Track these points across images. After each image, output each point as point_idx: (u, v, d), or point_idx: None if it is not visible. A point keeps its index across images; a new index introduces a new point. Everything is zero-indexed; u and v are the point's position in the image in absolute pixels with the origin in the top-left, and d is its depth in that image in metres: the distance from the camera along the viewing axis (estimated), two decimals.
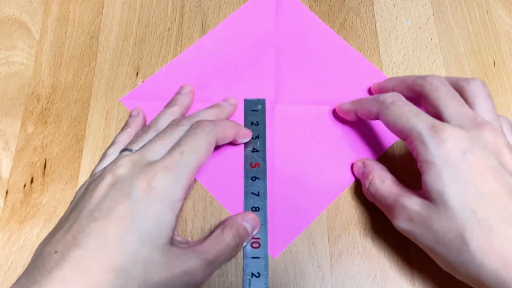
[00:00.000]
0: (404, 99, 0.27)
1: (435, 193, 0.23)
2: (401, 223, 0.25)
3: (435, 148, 0.24)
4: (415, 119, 0.25)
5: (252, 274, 0.28)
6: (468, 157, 0.23)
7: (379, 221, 0.30)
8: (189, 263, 0.24)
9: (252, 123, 0.33)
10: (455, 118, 0.25)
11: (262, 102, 0.34)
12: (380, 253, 0.30)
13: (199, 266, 0.24)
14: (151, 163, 0.25)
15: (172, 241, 0.24)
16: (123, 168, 0.25)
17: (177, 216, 0.25)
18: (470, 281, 0.24)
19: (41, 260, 0.23)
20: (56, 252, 0.22)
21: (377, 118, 0.28)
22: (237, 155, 0.32)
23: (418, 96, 0.29)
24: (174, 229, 0.25)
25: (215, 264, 0.26)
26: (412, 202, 0.25)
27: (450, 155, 0.23)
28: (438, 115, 0.26)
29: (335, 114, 0.33)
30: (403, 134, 0.26)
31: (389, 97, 0.27)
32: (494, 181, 0.23)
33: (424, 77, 0.28)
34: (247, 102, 0.34)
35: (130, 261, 0.22)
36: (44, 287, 0.21)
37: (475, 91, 0.27)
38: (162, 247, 0.23)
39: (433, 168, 0.23)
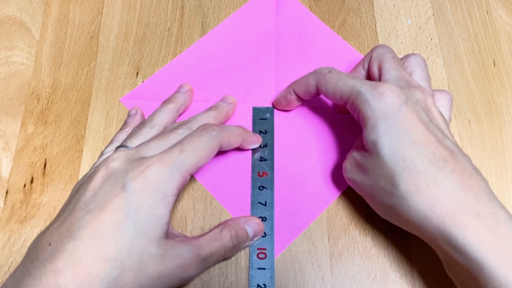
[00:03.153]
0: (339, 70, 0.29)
1: (370, 143, 0.25)
2: (346, 173, 0.28)
3: (374, 102, 0.25)
4: (353, 80, 0.27)
5: (258, 286, 0.28)
6: (403, 109, 0.25)
7: (379, 221, 0.30)
8: (183, 256, 0.24)
9: (260, 131, 0.33)
10: (393, 80, 0.27)
11: (270, 110, 0.34)
12: (380, 253, 0.30)
13: (192, 261, 0.25)
14: (147, 157, 0.25)
15: (167, 235, 0.25)
16: (117, 162, 0.25)
17: (170, 211, 0.25)
18: (403, 224, 0.26)
19: (35, 252, 0.23)
20: (50, 244, 0.22)
21: (316, 92, 0.29)
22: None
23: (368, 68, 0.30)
24: (169, 223, 0.25)
25: (208, 262, 0.26)
26: (355, 153, 0.27)
27: (387, 107, 0.25)
28: (377, 79, 0.28)
29: (335, 114, 0.33)
30: (343, 97, 0.27)
31: (326, 68, 0.29)
32: (425, 130, 0.24)
33: (371, 49, 0.30)
34: (256, 110, 0.34)
35: (125, 252, 0.22)
36: (37, 279, 0.21)
37: (413, 62, 0.29)
38: (157, 239, 0.24)
39: (370, 122, 0.25)
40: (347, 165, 0.28)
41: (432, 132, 0.24)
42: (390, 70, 0.27)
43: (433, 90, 0.28)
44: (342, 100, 0.27)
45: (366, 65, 0.30)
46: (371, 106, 0.25)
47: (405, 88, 0.26)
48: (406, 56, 0.29)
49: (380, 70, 0.28)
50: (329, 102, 0.34)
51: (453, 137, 0.26)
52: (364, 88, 0.26)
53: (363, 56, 0.36)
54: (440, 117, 0.26)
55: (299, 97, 0.31)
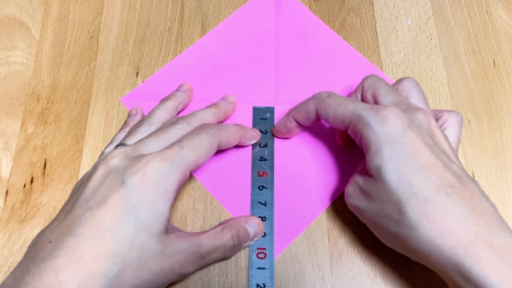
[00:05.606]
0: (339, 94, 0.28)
1: (374, 168, 0.24)
2: (349, 199, 0.27)
3: (377, 126, 0.24)
4: (354, 104, 0.26)
5: (258, 285, 0.28)
6: (407, 132, 0.24)
7: None
8: (182, 252, 0.24)
9: (260, 131, 0.33)
10: (392, 104, 0.26)
11: (271, 110, 0.34)
12: (380, 253, 0.30)
13: (191, 257, 0.25)
14: (146, 154, 0.25)
15: (167, 230, 0.25)
16: (116, 159, 0.25)
17: (171, 207, 0.25)
18: (411, 254, 0.24)
19: (35, 250, 0.23)
20: (50, 241, 0.22)
21: (316, 117, 0.29)
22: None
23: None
24: (169, 218, 0.25)
25: (206, 259, 0.26)
26: (358, 178, 0.26)
27: (391, 131, 0.24)
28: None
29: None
30: (345, 122, 0.26)
31: (325, 92, 0.28)
32: (431, 155, 0.23)
33: (362, 80, 0.29)
34: (256, 110, 0.34)
35: (126, 247, 0.22)
36: (38, 277, 0.21)
37: (408, 85, 0.28)
38: (158, 235, 0.24)
39: (374, 146, 0.24)
40: (350, 190, 0.27)
41: (438, 157, 0.23)
42: (387, 96, 0.27)
43: (441, 111, 0.28)
44: (343, 125, 0.26)
45: (359, 96, 0.29)
46: (374, 130, 0.24)
47: (406, 111, 0.25)
48: (399, 81, 0.29)
49: (375, 98, 0.27)
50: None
51: (459, 160, 0.25)
52: (366, 111, 0.25)
53: (363, 56, 0.36)
54: (444, 140, 0.25)
55: (299, 124, 0.30)
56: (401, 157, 0.23)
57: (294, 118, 0.30)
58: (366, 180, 0.25)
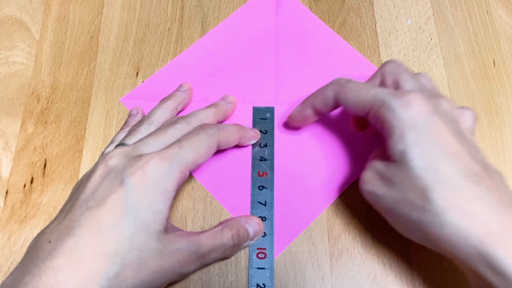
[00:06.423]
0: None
1: (398, 154, 0.23)
2: (365, 184, 0.26)
3: (401, 111, 0.24)
4: (375, 89, 0.25)
5: (258, 285, 0.28)
6: (432, 119, 0.23)
7: (379, 221, 0.30)
8: (182, 251, 0.24)
9: (260, 131, 0.33)
10: (415, 89, 0.25)
11: (271, 110, 0.34)
12: (380, 253, 0.30)
13: (190, 256, 0.25)
14: (145, 154, 0.25)
15: (167, 230, 0.25)
16: (115, 159, 0.25)
17: (170, 207, 0.25)
18: (432, 243, 0.23)
19: (35, 250, 0.23)
20: (49, 242, 0.22)
21: (336, 104, 0.28)
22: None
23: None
24: (168, 218, 0.25)
25: (206, 258, 0.26)
26: (377, 164, 0.25)
27: (416, 117, 0.23)
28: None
29: (335, 113, 0.33)
30: (365, 107, 0.26)
31: (344, 78, 0.28)
32: (457, 142, 0.23)
33: (381, 65, 0.29)
34: (256, 110, 0.34)
35: (125, 247, 0.22)
36: (37, 277, 0.21)
37: (424, 81, 0.27)
38: (157, 234, 0.24)
39: (397, 131, 0.24)
40: (367, 176, 0.26)
41: (463, 145, 0.23)
42: (409, 81, 0.26)
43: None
44: (363, 111, 0.26)
45: (377, 82, 0.28)
46: (398, 115, 0.24)
47: (431, 98, 0.25)
48: (415, 74, 0.28)
49: (396, 83, 0.27)
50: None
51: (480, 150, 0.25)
52: (389, 96, 0.24)
53: (363, 56, 0.36)
54: (468, 128, 0.25)
55: (315, 112, 0.30)
56: (427, 143, 0.23)
57: (312, 105, 0.29)
58: (386, 166, 0.25)
